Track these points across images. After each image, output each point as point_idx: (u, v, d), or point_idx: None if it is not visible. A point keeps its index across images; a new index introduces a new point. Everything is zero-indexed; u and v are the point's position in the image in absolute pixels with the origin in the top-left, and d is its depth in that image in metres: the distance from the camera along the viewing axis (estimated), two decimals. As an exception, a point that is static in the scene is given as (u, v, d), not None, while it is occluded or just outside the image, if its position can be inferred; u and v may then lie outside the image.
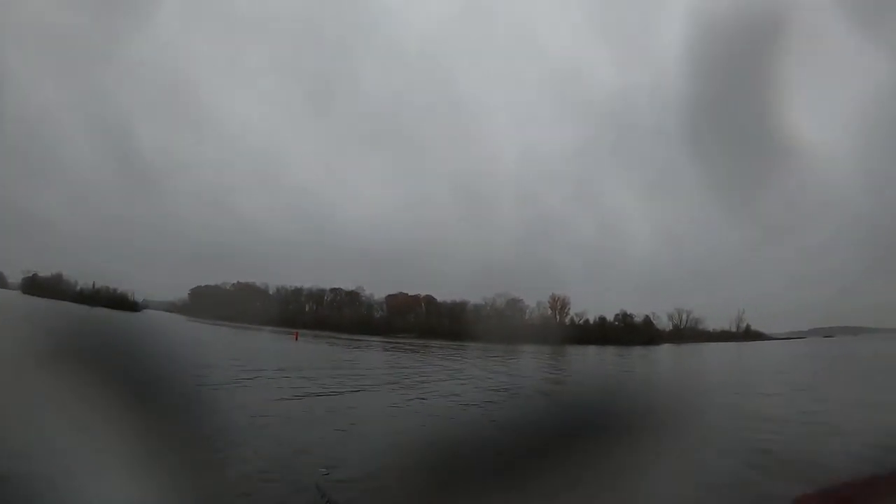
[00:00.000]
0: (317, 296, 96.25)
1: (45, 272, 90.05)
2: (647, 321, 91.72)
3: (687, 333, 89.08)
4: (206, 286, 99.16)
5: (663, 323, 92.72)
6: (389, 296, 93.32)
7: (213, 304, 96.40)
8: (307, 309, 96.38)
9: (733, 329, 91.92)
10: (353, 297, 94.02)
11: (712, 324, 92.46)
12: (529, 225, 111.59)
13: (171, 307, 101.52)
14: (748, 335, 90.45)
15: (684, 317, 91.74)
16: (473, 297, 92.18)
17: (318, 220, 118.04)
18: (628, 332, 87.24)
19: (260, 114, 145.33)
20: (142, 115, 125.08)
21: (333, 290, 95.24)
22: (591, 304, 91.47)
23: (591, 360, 53.16)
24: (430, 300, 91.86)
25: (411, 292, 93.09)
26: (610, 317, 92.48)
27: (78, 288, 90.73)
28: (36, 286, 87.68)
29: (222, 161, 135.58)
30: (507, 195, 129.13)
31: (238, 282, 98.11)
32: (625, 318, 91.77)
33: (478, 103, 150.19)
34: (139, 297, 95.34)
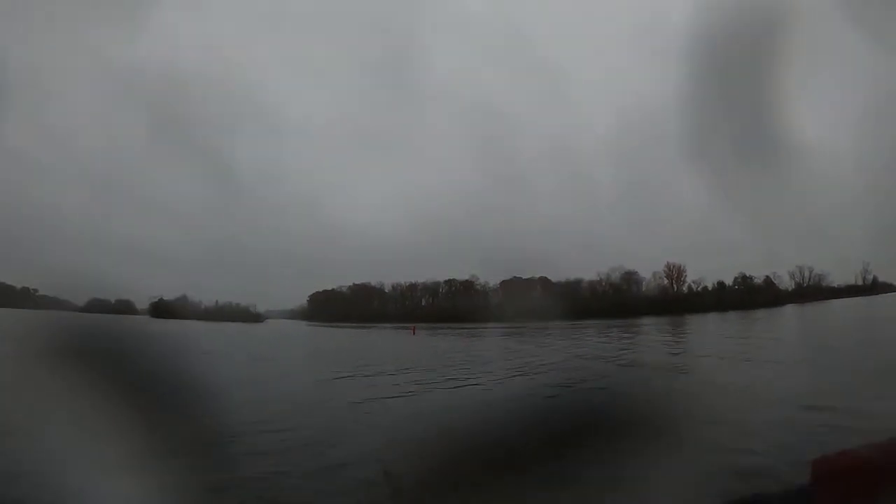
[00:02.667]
0: (432, 289, 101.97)
1: (169, 296, 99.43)
2: (768, 282, 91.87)
3: (810, 291, 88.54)
4: (324, 291, 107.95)
5: (785, 282, 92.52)
6: (504, 282, 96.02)
7: (331, 307, 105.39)
8: (423, 303, 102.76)
9: (859, 283, 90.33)
10: (467, 286, 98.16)
11: (837, 278, 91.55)
12: (632, 191, 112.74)
13: (292, 314, 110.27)
14: (876, 287, 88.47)
15: (806, 274, 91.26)
16: (588, 274, 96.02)
17: (418, 212, 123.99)
18: (749, 296, 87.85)
19: (337, 111, 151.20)
20: (224, 132, 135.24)
21: (448, 281, 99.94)
22: (708, 269, 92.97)
23: (711, 334, 56.50)
24: (544, 281, 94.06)
25: (525, 276, 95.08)
26: (729, 280, 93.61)
27: (203, 307, 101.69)
28: (163, 310, 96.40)
29: (310, 165, 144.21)
30: (605, 161, 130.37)
31: (354, 283, 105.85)
32: (744, 280, 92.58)
33: (561, 64, 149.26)
34: (261, 309, 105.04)
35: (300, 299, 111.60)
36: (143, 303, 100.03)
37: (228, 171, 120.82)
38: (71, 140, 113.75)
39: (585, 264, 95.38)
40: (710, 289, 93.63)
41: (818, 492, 1.82)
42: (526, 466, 10.67)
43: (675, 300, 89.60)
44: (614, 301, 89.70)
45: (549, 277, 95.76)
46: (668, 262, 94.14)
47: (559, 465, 10.67)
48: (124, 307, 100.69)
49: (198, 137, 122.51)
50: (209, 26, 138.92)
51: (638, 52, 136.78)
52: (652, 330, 63.23)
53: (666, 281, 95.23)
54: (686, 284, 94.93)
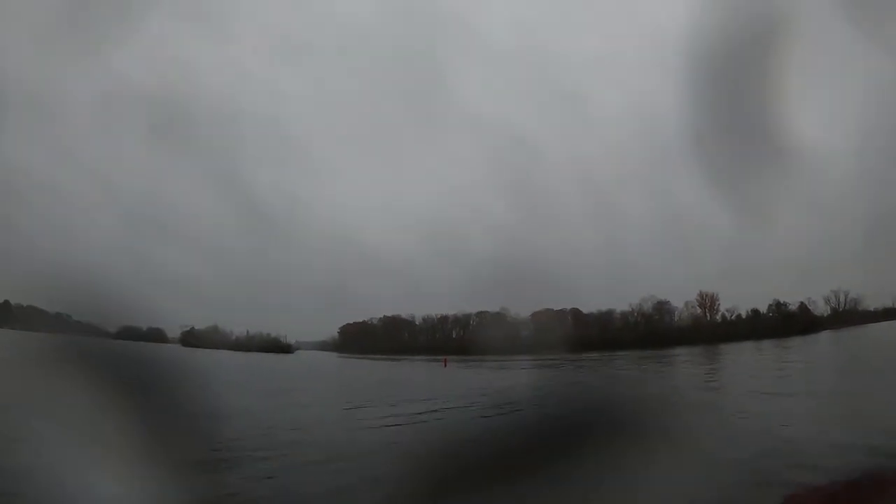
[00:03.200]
0: (463, 321, 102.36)
1: (200, 325, 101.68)
2: (803, 308, 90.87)
3: (847, 317, 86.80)
4: (354, 323, 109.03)
5: (820, 308, 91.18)
6: (535, 313, 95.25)
7: (362, 339, 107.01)
8: (454, 335, 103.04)
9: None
10: (498, 318, 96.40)
11: (873, 302, 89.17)
12: (662, 218, 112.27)
13: (323, 346, 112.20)
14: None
15: (842, 299, 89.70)
16: (619, 305, 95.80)
17: (447, 242, 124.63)
18: (784, 323, 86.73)
19: (363, 142, 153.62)
20: (253, 164, 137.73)
21: (479, 313, 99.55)
22: (742, 296, 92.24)
23: (743, 365, 55.96)
24: (576, 313, 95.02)
25: (556, 307, 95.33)
26: (763, 307, 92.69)
27: (233, 337, 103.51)
28: (193, 338, 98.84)
29: (336, 196, 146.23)
30: (633, 188, 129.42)
31: (385, 316, 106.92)
32: (778, 307, 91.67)
33: (585, 90, 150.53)
34: (291, 340, 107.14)
35: (331, 331, 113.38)
36: (174, 331, 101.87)
37: (256, 201, 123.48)
38: (102, 170, 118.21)
39: (617, 295, 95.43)
40: (743, 317, 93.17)
41: None
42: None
43: (709, 329, 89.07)
44: (646, 332, 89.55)
45: (581, 309, 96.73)
46: (700, 291, 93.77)
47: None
48: (155, 335, 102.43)
49: (223, 166, 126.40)
50: (235, 56, 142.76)
51: (660, 73, 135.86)
52: (681, 361, 62.99)
53: (699, 310, 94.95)
54: (720, 313, 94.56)
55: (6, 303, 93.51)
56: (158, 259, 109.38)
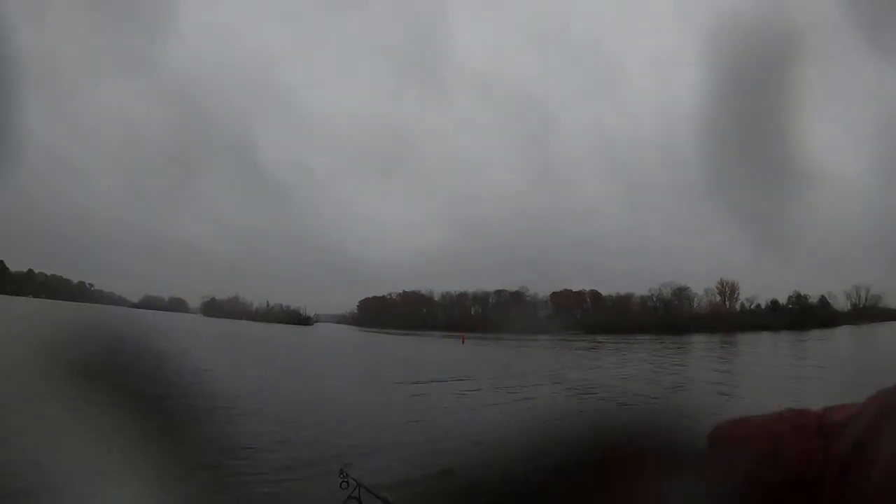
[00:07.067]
0: (481, 299, 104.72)
1: (221, 296, 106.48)
2: (823, 302, 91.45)
3: (867, 313, 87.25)
4: (374, 297, 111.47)
5: (841, 303, 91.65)
6: (554, 293, 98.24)
7: (381, 313, 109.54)
8: (472, 312, 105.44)
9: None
10: (517, 297, 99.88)
11: (894, 300, 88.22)
12: (686, 199, 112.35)
13: (342, 319, 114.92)
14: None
15: (863, 294, 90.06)
16: (639, 288, 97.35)
17: (463, 218, 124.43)
18: (803, 316, 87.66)
19: (365, 109, 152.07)
20: (256, 132, 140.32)
21: (498, 291, 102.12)
22: (763, 286, 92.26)
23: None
24: (595, 295, 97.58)
25: (575, 289, 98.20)
26: (783, 299, 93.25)
27: (254, 308, 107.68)
28: (214, 309, 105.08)
29: (344, 167, 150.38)
30: (655, 162, 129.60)
31: (404, 291, 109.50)
32: (798, 299, 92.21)
33: (604, 49, 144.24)
34: (311, 312, 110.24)
35: (350, 305, 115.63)
36: (195, 301, 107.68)
37: (268, 175, 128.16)
38: (104, 139, 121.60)
39: (637, 278, 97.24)
40: (763, 307, 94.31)
41: (707, 457, 1.56)
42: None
43: (727, 318, 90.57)
44: (664, 318, 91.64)
45: (600, 291, 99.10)
46: (720, 279, 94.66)
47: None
48: (177, 305, 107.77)
49: (231, 137, 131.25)
50: (224, 19, 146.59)
51: (682, 35, 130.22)
52: (698, 349, 65.20)
53: (718, 298, 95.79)
54: (739, 302, 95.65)
55: (30, 272, 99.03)
56: (174, 231, 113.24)
